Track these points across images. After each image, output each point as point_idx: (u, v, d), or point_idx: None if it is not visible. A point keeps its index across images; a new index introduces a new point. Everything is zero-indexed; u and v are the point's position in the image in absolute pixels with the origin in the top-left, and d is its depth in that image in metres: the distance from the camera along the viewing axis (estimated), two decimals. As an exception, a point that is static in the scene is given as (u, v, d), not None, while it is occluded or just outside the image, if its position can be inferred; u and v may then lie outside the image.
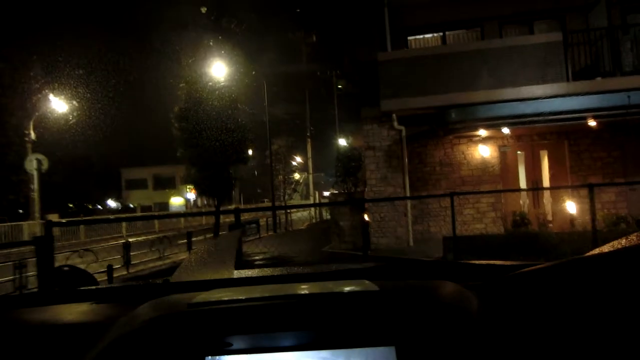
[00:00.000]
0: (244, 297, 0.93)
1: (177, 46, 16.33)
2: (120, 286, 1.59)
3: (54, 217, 30.56)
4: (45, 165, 8.51)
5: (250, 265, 9.38)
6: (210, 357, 0.80)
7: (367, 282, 1.01)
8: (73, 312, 1.15)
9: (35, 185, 8.62)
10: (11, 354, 0.97)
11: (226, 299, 0.94)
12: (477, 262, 1.42)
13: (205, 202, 52.11)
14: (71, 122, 9.00)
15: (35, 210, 10.76)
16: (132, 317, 0.91)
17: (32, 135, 23.81)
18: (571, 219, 9.90)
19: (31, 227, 26.05)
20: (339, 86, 35.87)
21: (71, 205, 44.31)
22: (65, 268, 1.65)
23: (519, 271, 1.01)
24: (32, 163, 8.22)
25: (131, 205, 53.53)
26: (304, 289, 1.03)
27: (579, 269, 0.90)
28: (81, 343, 0.91)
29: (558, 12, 11.80)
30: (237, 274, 1.46)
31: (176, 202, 56.92)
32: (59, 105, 25.01)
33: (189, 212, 41.79)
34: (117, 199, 58.26)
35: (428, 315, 0.84)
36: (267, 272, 1.55)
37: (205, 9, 19.45)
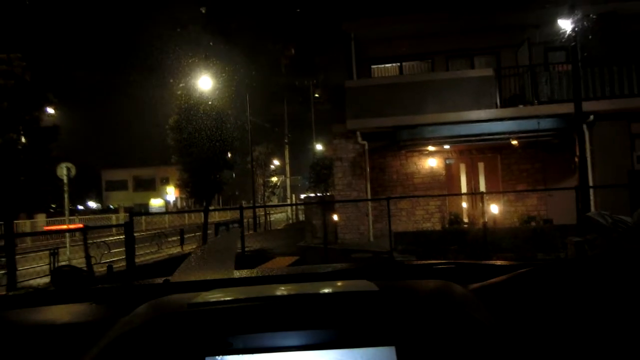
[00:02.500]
0: (244, 297, 0.94)
1: (162, 59, 18.29)
2: (120, 286, 1.61)
3: (42, 217, 32.04)
4: (73, 171, 10.26)
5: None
6: (210, 357, 0.81)
7: (367, 282, 1.01)
8: (73, 312, 1.18)
9: (65, 187, 10.47)
10: (12, 354, 1.01)
11: (226, 299, 0.95)
12: (475, 262, 1.40)
13: (185, 204, 53.78)
14: (58, 125, 10.33)
15: (65, 208, 12.56)
16: (132, 317, 0.92)
17: (22, 139, 25.24)
18: (494, 219, 12.35)
19: (21, 226, 27.70)
20: (316, 95, 38.26)
21: (54, 206, 45.28)
22: (66, 268, 1.63)
23: (518, 272, 1.03)
24: (63, 170, 9.97)
25: (111, 206, 54.67)
26: (304, 289, 1.04)
27: (576, 270, 0.94)
28: (81, 343, 0.92)
29: (493, 48, 14.30)
30: (237, 274, 1.48)
31: (156, 203, 58.06)
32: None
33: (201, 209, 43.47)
34: (97, 200, 59.18)
35: (428, 315, 0.84)
36: (267, 272, 1.56)
37: (205, 9, 21.39)
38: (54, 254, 10.13)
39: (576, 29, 9.88)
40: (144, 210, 52.94)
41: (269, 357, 0.81)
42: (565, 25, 10.47)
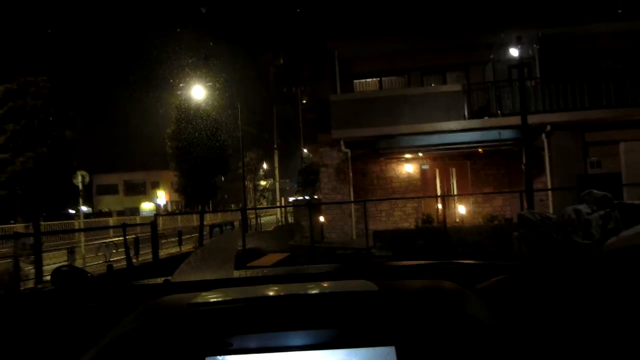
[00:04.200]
0: (244, 297, 0.94)
1: (157, 66, 19.59)
2: (120, 286, 1.61)
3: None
4: (87, 179, 11.48)
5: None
6: (210, 357, 0.81)
7: (367, 282, 1.01)
8: (73, 312, 1.20)
9: (81, 193, 11.79)
10: (12, 353, 1.03)
11: (226, 299, 0.96)
12: (473, 262, 1.44)
13: (176, 207, 54.93)
14: (78, 138, 11.39)
15: (80, 211, 13.85)
16: (132, 317, 0.93)
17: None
18: (463, 218, 13.88)
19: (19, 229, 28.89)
20: (304, 101, 39.73)
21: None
22: (65, 268, 1.68)
23: (517, 272, 1.07)
24: (78, 178, 11.20)
25: (103, 210, 55.52)
26: (303, 289, 1.05)
27: (573, 270, 0.95)
28: (81, 343, 0.94)
29: (463, 65, 15.86)
30: (237, 274, 1.50)
31: (147, 207, 58.87)
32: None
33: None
34: (88, 204, 59.81)
35: (428, 315, 0.84)
36: (266, 272, 1.61)
37: (205, 9, 22.75)
38: (72, 251, 11.41)
39: (522, 54, 11.43)
40: (133, 214, 53.83)
41: (269, 357, 0.82)
42: (515, 52, 12.02)
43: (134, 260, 14.32)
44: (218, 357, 0.82)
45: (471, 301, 0.93)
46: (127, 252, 7.22)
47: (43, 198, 9.38)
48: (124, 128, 64.44)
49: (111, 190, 59.55)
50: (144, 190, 59.50)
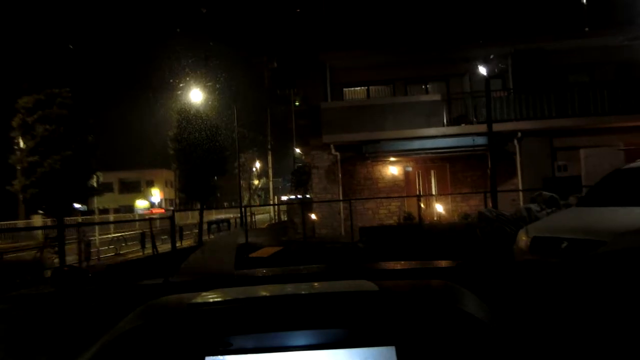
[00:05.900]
0: (244, 297, 0.96)
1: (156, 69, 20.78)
2: (120, 286, 1.61)
3: (37, 218, 34.04)
4: (101, 179, 12.68)
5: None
6: (210, 357, 0.82)
7: (367, 282, 1.02)
8: (74, 311, 1.23)
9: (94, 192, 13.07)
10: (13, 353, 1.05)
11: (226, 299, 0.98)
12: (475, 262, 1.45)
13: (170, 205, 56.09)
14: (97, 143, 12.40)
15: (95, 208, 15.08)
16: (132, 316, 0.94)
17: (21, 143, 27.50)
18: (440, 216, 15.32)
19: (30, 223, 30.09)
20: (297, 103, 41.11)
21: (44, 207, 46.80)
22: (65, 268, 1.75)
23: (517, 271, 1.09)
24: (93, 178, 12.41)
25: (100, 208, 56.49)
26: (303, 289, 1.07)
27: (573, 270, 0.97)
28: (81, 342, 0.95)
29: (443, 76, 17.30)
30: (237, 274, 1.53)
31: (141, 204, 59.86)
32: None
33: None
34: (82, 202, 60.55)
35: (428, 315, 0.85)
36: (267, 272, 1.65)
37: (205, 10, 23.98)
38: (88, 244, 12.65)
39: (494, 68, 12.85)
40: (128, 212, 54.82)
41: (269, 357, 0.83)
42: (487, 66, 13.45)
43: (140, 254, 15.58)
44: (218, 357, 0.83)
45: (470, 300, 0.95)
46: (153, 243, 8.49)
47: (67, 196, 10.64)
48: (120, 127, 65.32)
49: (106, 188, 60.39)
50: (138, 189, 60.54)
